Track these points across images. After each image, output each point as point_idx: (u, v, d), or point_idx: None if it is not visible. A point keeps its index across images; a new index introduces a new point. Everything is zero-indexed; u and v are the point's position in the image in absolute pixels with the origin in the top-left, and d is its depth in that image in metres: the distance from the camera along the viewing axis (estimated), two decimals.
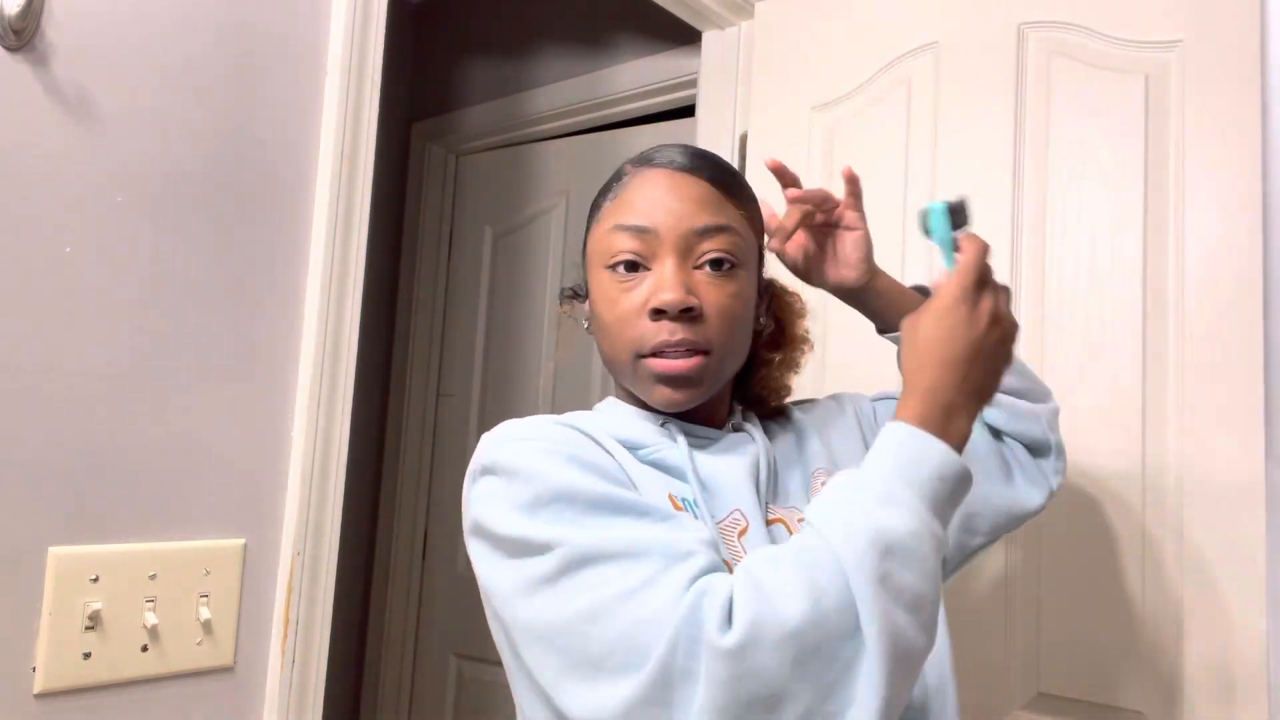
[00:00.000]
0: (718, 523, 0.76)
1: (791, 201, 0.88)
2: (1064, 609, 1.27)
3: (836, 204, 0.91)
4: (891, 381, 0.89)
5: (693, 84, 1.99)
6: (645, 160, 0.82)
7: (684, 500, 0.77)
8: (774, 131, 1.63)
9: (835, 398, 0.99)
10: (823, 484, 0.83)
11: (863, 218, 0.91)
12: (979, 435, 0.96)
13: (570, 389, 2.30)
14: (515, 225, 2.50)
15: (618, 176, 0.83)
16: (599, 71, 2.28)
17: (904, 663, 0.57)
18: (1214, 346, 1.20)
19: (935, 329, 0.69)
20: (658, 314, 0.76)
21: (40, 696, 0.88)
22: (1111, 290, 1.27)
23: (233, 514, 1.03)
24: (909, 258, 1.44)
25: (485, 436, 0.75)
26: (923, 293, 0.95)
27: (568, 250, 2.37)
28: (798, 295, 0.95)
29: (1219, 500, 1.17)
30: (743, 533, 0.77)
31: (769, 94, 1.65)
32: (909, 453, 0.64)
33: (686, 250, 0.76)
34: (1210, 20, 1.24)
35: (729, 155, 1.71)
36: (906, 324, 0.72)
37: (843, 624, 0.56)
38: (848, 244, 0.91)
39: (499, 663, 2.34)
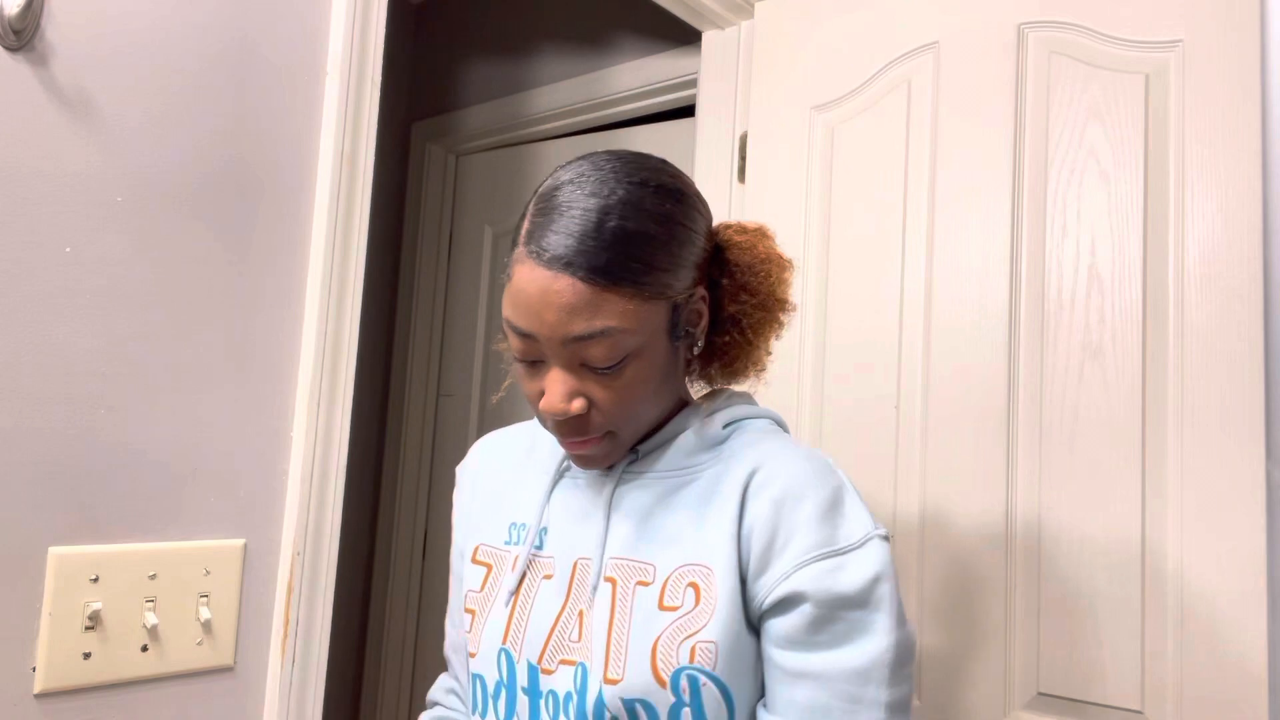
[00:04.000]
0: (532, 555, 0.84)
1: None
2: (1064, 609, 1.27)
3: None
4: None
5: (693, 84, 1.99)
6: (529, 238, 0.75)
7: (514, 526, 0.87)
8: (774, 131, 1.63)
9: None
10: (688, 584, 0.77)
11: None
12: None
13: None
14: (515, 225, 2.49)
15: (514, 240, 0.79)
16: (599, 71, 2.28)
17: None
18: (1214, 346, 1.20)
19: None
20: None
21: (40, 696, 0.88)
22: (1111, 290, 1.27)
23: (233, 514, 1.03)
24: (909, 259, 1.44)
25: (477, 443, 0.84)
26: None
27: None
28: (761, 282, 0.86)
29: (1219, 500, 1.17)
30: (547, 576, 0.83)
31: (769, 94, 1.65)
32: None
33: (570, 356, 0.75)
34: (1210, 20, 1.24)
35: (729, 155, 1.71)
36: None
37: None
38: None
39: None
